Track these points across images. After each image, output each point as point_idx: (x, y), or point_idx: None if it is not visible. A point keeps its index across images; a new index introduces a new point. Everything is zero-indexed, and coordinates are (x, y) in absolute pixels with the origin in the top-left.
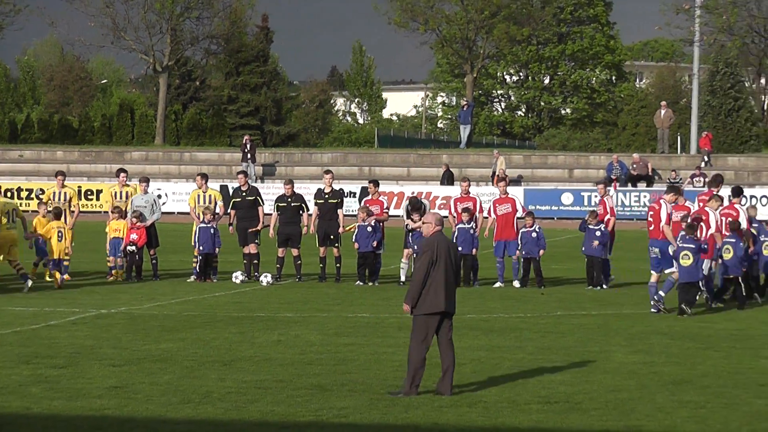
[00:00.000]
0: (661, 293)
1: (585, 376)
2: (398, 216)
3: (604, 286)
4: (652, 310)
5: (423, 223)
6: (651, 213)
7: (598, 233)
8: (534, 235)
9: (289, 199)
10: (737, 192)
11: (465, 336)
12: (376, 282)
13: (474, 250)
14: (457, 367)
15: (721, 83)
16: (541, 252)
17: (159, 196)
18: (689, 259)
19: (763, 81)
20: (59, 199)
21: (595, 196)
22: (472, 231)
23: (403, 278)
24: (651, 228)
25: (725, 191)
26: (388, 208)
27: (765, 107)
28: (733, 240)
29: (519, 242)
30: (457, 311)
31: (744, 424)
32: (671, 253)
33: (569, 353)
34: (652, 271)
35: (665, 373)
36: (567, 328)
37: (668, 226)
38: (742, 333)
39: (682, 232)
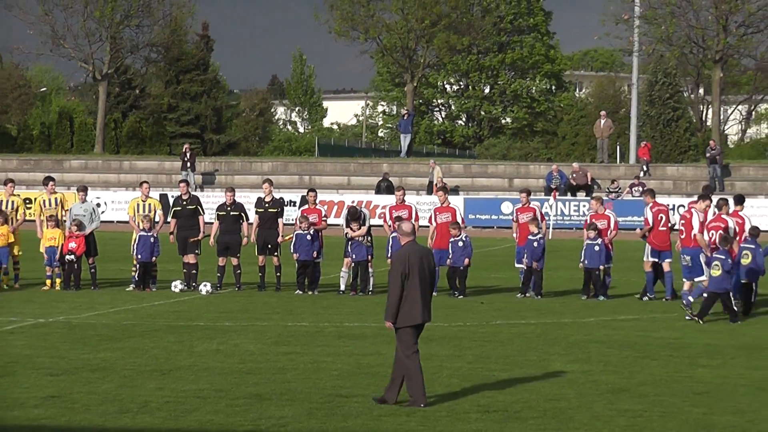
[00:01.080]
0: (690, 298)
1: (524, 384)
2: (338, 225)
3: (601, 298)
4: (687, 317)
5: (398, 234)
6: (683, 222)
7: (596, 248)
8: (460, 244)
9: (229, 208)
10: (740, 200)
11: None
12: (315, 291)
13: None
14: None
15: (660, 93)
16: (466, 261)
17: (98, 205)
18: (719, 269)
19: (701, 91)
20: (6, 206)
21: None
22: None
23: (342, 287)
24: (682, 236)
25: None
26: (326, 217)
27: (703, 117)
28: (753, 246)
29: (450, 251)
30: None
31: None
32: (703, 261)
33: (508, 362)
34: (684, 279)
35: (603, 382)
36: (506, 337)
37: (701, 234)
38: (679, 342)
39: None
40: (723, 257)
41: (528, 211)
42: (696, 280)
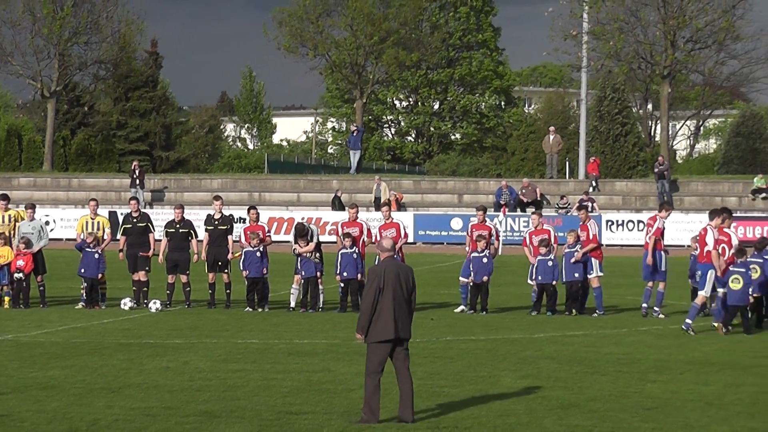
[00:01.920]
0: (689, 321)
1: (474, 400)
2: (287, 242)
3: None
4: (713, 323)
5: (378, 250)
6: (698, 238)
7: (549, 263)
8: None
9: (178, 225)
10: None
11: (355, 362)
12: (266, 307)
13: (359, 275)
14: (346, 392)
15: (608, 109)
16: None
17: (47, 223)
18: (739, 282)
19: (650, 106)
20: None
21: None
22: (355, 256)
23: (293, 304)
24: (696, 252)
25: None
26: (269, 233)
27: (652, 132)
28: (760, 260)
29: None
30: (347, 336)
31: None
32: (711, 278)
33: (458, 378)
34: (701, 293)
35: (553, 398)
36: (456, 353)
37: (716, 251)
38: (628, 357)
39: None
40: (743, 270)
41: (483, 228)
42: (699, 293)
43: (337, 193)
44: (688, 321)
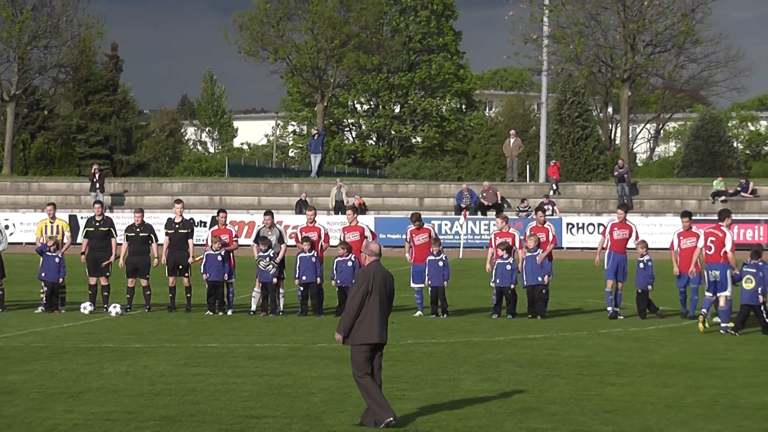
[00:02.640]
0: (704, 310)
1: (434, 404)
2: (248, 245)
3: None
4: (723, 327)
5: (362, 252)
6: (712, 239)
7: (508, 267)
8: (349, 264)
9: (138, 229)
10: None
11: (315, 365)
12: (229, 311)
13: (318, 279)
14: (307, 396)
15: (569, 112)
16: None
17: (6, 227)
18: (752, 282)
19: (610, 110)
20: None
21: (446, 224)
22: (314, 260)
23: (253, 307)
24: (710, 252)
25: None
26: (237, 237)
27: (612, 136)
28: (754, 270)
29: (334, 271)
30: (308, 340)
31: None
32: (729, 276)
33: (419, 381)
34: (709, 294)
35: (513, 401)
36: (417, 357)
37: (732, 253)
38: (588, 360)
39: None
40: (754, 270)
41: (423, 232)
42: (719, 294)
43: (301, 196)
44: (724, 325)
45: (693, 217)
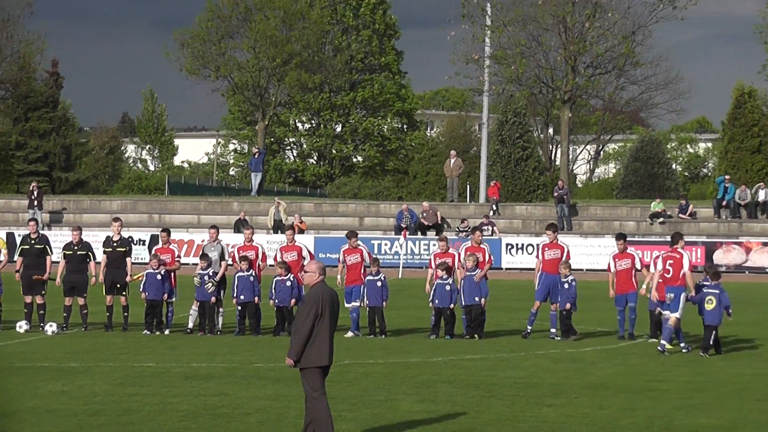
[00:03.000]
0: (664, 342)
1: (371, 425)
2: (189, 264)
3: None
4: (661, 345)
5: (305, 272)
6: (670, 262)
7: (447, 287)
8: (288, 284)
9: (76, 247)
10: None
11: (252, 385)
12: (166, 330)
13: (255, 299)
14: (243, 416)
15: (509, 133)
16: (293, 302)
17: None
18: (712, 303)
19: (550, 131)
20: None
21: (386, 244)
22: (251, 278)
23: (190, 325)
24: (668, 275)
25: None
26: (179, 257)
27: (552, 157)
28: (717, 291)
29: (272, 291)
30: (245, 360)
31: None
32: (683, 299)
33: (355, 402)
34: (674, 314)
35: (450, 422)
36: (354, 377)
37: (690, 272)
38: (525, 381)
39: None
40: (717, 291)
41: (356, 252)
42: (670, 314)
43: (240, 215)
44: (663, 342)
45: (631, 239)
